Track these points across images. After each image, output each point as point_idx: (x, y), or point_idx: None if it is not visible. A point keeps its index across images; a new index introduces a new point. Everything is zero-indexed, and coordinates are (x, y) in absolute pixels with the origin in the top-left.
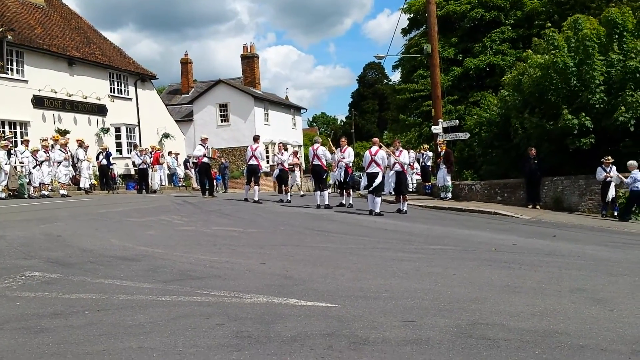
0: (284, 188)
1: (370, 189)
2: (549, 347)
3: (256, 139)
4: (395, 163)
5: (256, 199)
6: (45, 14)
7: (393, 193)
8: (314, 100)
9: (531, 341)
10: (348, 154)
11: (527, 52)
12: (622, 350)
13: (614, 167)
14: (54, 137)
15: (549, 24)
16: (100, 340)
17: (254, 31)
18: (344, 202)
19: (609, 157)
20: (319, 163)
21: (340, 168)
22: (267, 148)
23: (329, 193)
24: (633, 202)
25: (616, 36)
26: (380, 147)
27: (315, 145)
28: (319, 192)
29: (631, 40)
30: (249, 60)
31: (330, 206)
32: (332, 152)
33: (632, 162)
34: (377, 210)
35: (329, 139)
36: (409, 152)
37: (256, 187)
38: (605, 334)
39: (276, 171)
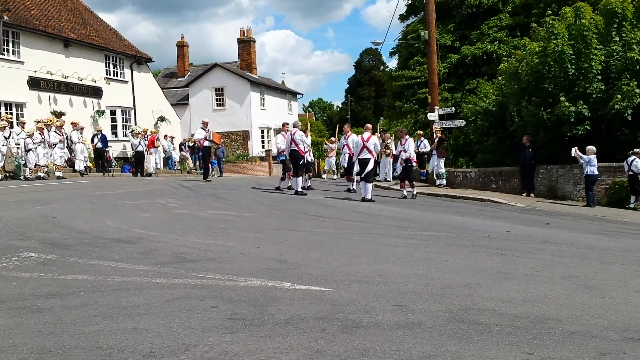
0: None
1: (362, 175)
2: (540, 333)
3: (295, 124)
4: (401, 151)
5: (369, 197)
6: None
7: (388, 179)
8: (311, 85)
9: (522, 327)
10: (352, 140)
11: (525, 40)
12: (612, 337)
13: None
14: (48, 119)
15: (549, 12)
16: (96, 321)
17: (253, 14)
18: (351, 187)
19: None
20: (296, 148)
21: (345, 154)
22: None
23: (324, 178)
24: (589, 186)
25: (615, 25)
26: (373, 133)
27: (293, 130)
28: (295, 178)
29: (630, 30)
30: (246, 44)
31: (302, 192)
32: (332, 142)
33: (591, 147)
34: (369, 197)
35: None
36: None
37: (299, 178)
38: (596, 320)
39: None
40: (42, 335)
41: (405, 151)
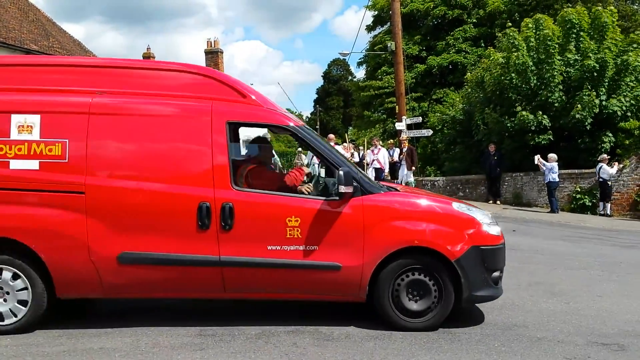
0: None
1: None
2: (508, 340)
3: (331, 138)
4: (374, 160)
5: None
6: (2, 6)
7: None
8: (281, 96)
9: (491, 334)
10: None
11: (490, 50)
12: (578, 342)
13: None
14: None
15: (509, 24)
16: (61, 342)
17: (222, 25)
18: None
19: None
20: None
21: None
22: None
23: None
24: (551, 193)
25: (573, 36)
26: (335, 143)
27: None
28: None
29: (587, 40)
30: (213, 55)
31: None
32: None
33: (552, 155)
34: None
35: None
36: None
37: None
38: (562, 326)
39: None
40: (3, 358)
41: (377, 160)
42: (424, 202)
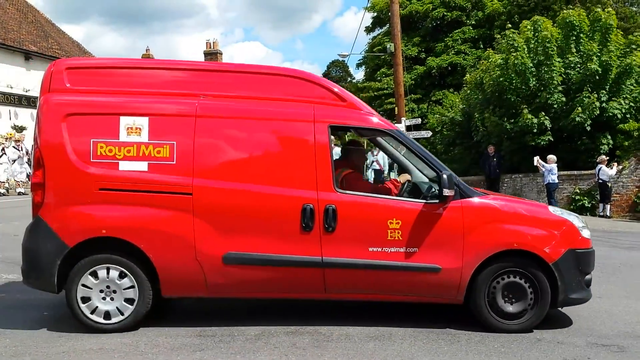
0: None
1: None
2: (508, 341)
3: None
4: (373, 162)
5: None
6: (1, 7)
7: None
8: None
9: (491, 335)
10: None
11: (489, 51)
12: (577, 343)
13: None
14: (8, 134)
15: (509, 25)
16: (60, 342)
17: (222, 26)
18: None
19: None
20: None
21: None
22: None
23: None
24: (550, 194)
25: (573, 38)
26: (335, 145)
27: None
28: None
29: (587, 42)
30: (212, 56)
31: None
32: None
33: (552, 156)
34: None
35: None
36: None
37: None
38: (561, 327)
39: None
40: (3, 358)
41: (377, 162)
42: (521, 205)
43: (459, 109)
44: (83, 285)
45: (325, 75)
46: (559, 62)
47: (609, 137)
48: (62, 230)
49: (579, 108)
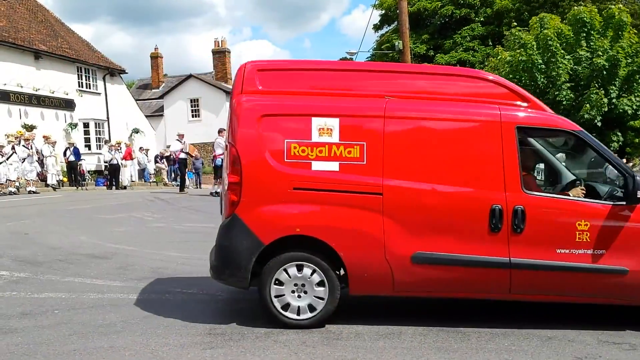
0: None
1: None
2: (518, 339)
3: None
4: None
5: None
6: (11, 7)
7: None
8: None
9: (501, 333)
10: None
11: (498, 48)
12: (588, 341)
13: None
14: (18, 132)
15: (514, 23)
16: (71, 340)
17: (230, 25)
18: None
19: None
20: None
21: None
22: None
23: None
24: None
25: (584, 34)
26: None
27: None
28: None
29: (598, 39)
30: (220, 55)
31: None
32: None
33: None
34: None
35: None
36: None
37: None
38: (572, 325)
39: None
40: (15, 357)
41: None
42: None
43: None
44: (277, 281)
45: None
46: (568, 58)
47: (619, 134)
48: (258, 228)
49: (587, 105)
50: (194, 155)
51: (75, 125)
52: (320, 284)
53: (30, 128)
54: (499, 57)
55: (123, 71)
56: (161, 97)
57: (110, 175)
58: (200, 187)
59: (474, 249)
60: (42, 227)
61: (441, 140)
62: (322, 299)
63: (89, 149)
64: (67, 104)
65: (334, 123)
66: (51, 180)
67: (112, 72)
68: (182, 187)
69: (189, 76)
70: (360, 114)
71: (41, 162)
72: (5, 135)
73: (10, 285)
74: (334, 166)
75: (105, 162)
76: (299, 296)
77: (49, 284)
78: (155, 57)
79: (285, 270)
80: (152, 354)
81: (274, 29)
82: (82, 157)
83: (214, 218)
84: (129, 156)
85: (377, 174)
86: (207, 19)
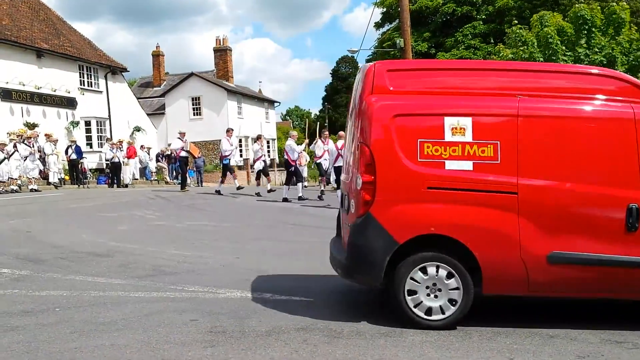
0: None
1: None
2: (520, 338)
3: (342, 136)
4: None
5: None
6: (13, 5)
7: None
8: (290, 93)
9: (503, 332)
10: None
11: (499, 46)
12: (591, 340)
13: None
14: (20, 130)
15: (516, 21)
16: (72, 338)
17: (232, 23)
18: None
19: None
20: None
21: (324, 160)
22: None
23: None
24: None
25: (585, 32)
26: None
27: (340, 143)
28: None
29: (599, 36)
30: (222, 53)
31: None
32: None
33: None
34: None
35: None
36: None
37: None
38: (575, 324)
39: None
40: (16, 355)
41: None
42: None
43: None
44: (412, 279)
45: (335, 71)
46: (569, 55)
47: None
48: (393, 227)
49: None
50: (197, 156)
51: (77, 123)
52: (455, 284)
53: (32, 126)
54: (500, 55)
55: (125, 69)
56: (162, 95)
57: (111, 173)
58: (201, 186)
59: (610, 249)
60: (43, 225)
61: (576, 139)
62: (455, 300)
63: (91, 147)
64: (69, 102)
65: (466, 122)
66: (53, 178)
67: (114, 70)
68: (183, 185)
69: (191, 74)
70: (493, 112)
71: (43, 160)
72: (7, 133)
73: (12, 283)
74: (467, 165)
75: (106, 160)
76: (435, 296)
77: (51, 282)
78: (156, 55)
79: (423, 269)
80: (153, 352)
81: (276, 27)
82: (83, 155)
83: (215, 216)
84: (133, 154)
85: (512, 173)
86: (209, 17)
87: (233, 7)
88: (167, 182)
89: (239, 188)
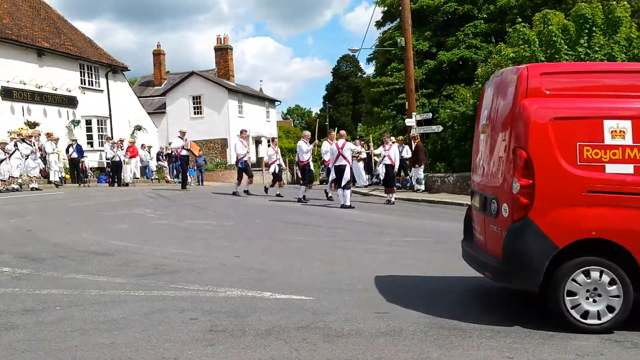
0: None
1: (343, 184)
2: (520, 337)
3: (343, 134)
4: (385, 156)
5: (348, 203)
6: (14, 4)
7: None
8: (291, 92)
9: (502, 331)
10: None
11: (501, 45)
12: (590, 339)
13: None
14: (20, 129)
15: (519, 19)
16: (72, 337)
17: (233, 22)
18: (328, 194)
19: None
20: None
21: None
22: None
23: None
24: None
25: (586, 31)
26: (346, 140)
27: (340, 142)
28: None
29: (599, 36)
30: (223, 51)
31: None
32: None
33: None
34: (348, 203)
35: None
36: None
37: (347, 191)
38: None
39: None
40: (16, 353)
41: (389, 157)
42: None
43: (470, 104)
44: (573, 280)
45: (336, 70)
46: (571, 54)
47: None
48: (552, 232)
49: None
50: (197, 154)
51: (78, 122)
52: (616, 292)
53: (32, 125)
54: (502, 54)
55: (125, 68)
56: (163, 94)
57: (112, 172)
58: (202, 184)
59: None
60: (44, 224)
61: None
62: (614, 306)
63: (92, 146)
64: (70, 101)
65: (626, 125)
66: (54, 177)
67: (115, 69)
68: (183, 184)
69: (191, 73)
70: None
71: (44, 159)
72: (8, 132)
73: (12, 282)
74: (628, 169)
75: (107, 159)
76: (594, 301)
77: (51, 281)
78: (157, 54)
79: (585, 272)
80: (153, 351)
81: (277, 26)
82: (84, 154)
83: (216, 215)
84: (135, 154)
85: None
86: (210, 16)
87: (234, 6)
88: (167, 181)
89: (246, 192)
